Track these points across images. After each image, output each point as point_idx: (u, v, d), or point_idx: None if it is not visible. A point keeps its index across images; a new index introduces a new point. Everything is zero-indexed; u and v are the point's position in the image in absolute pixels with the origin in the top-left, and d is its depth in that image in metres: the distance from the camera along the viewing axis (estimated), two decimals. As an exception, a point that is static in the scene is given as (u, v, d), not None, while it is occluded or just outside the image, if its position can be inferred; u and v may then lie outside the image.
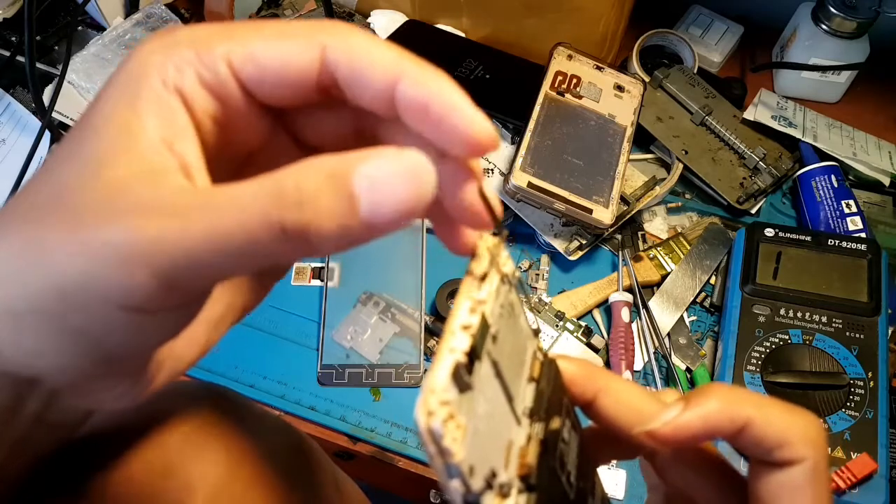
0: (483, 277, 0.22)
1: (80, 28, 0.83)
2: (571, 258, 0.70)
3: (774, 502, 0.26)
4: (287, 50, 0.21)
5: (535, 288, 0.71)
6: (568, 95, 0.74)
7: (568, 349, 0.67)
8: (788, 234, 0.67)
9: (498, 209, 0.23)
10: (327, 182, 0.19)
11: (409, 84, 0.21)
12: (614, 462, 0.61)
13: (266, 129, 0.24)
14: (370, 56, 0.21)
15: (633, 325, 0.68)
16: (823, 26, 0.79)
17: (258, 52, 0.21)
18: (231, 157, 0.24)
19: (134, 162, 0.20)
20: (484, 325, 0.21)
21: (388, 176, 0.19)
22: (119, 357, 0.21)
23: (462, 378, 0.19)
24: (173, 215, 0.19)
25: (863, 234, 0.70)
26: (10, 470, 0.25)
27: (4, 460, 0.24)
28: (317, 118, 0.25)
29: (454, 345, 0.20)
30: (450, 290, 0.69)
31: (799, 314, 0.63)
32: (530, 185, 0.67)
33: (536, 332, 0.26)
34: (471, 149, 0.21)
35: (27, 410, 0.23)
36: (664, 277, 0.71)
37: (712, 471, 0.29)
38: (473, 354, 0.20)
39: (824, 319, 0.63)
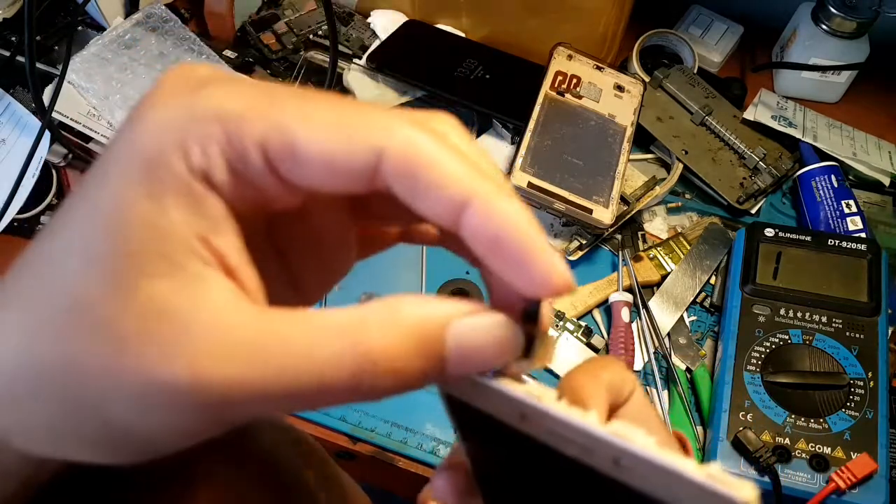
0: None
1: (80, 28, 0.83)
2: (571, 258, 0.70)
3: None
4: (335, 149, 0.18)
5: (535, 288, 0.71)
6: (568, 95, 0.74)
7: (568, 349, 0.67)
8: (788, 234, 0.67)
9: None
10: (417, 346, 0.18)
11: (480, 212, 0.18)
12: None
13: (299, 197, 0.20)
14: (435, 172, 0.18)
15: (633, 325, 0.68)
16: (823, 26, 0.79)
17: (300, 145, 0.18)
18: (263, 217, 0.22)
19: (171, 270, 0.17)
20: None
21: (478, 345, 0.18)
22: (163, 453, 0.19)
23: None
24: (234, 357, 0.17)
25: (863, 234, 0.70)
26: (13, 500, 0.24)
27: (9, 497, 0.23)
28: (367, 198, 0.22)
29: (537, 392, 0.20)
30: (450, 290, 0.69)
31: (799, 314, 0.63)
32: (530, 185, 0.67)
33: None
34: (545, 293, 0.19)
35: (32, 461, 0.21)
36: (664, 277, 0.71)
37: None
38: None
39: (824, 319, 0.63)
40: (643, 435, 0.18)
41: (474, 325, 0.19)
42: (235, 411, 0.17)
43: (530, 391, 0.20)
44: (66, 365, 0.17)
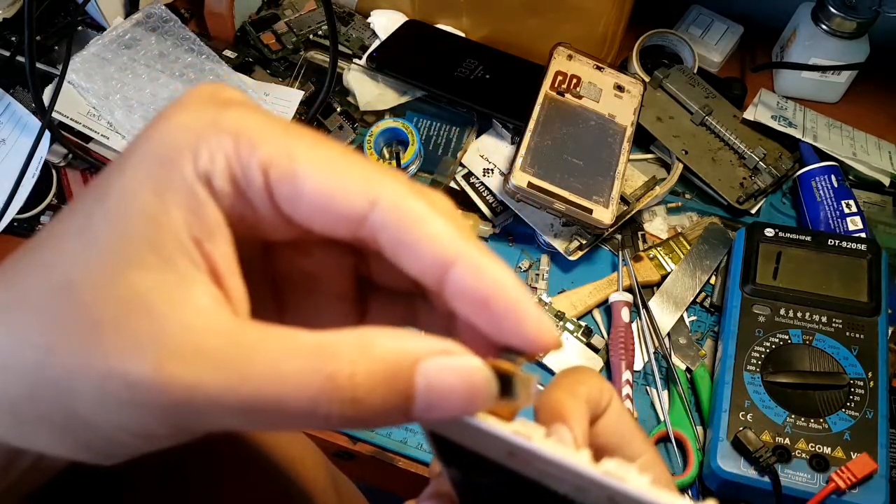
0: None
1: (80, 28, 0.83)
2: (571, 258, 0.70)
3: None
4: (334, 188, 0.19)
5: (536, 288, 0.71)
6: (568, 95, 0.74)
7: (568, 349, 0.67)
8: (788, 234, 0.67)
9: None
10: (384, 379, 0.17)
11: (468, 271, 0.19)
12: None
13: (294, 232, 0.21)
14: (424, 228, 0.19)
15: (633, 325, 0.68)
16: (823, 26, 0.79)
17: (301, 176, 0.19)
18: (256, 242, 0.22)
19: (161, 265, 0.17)
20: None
21: (448, 385, 0.18)
22: (126, 455, 0.20)
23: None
24: (200, 360, 0.17)
25: (863, 234, 0.70)
26: None
27: None
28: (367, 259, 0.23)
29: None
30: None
31: (799, 314, 0.63)
32: (530, 185, 0.67)
33: None
34: (535, 350, 0.20)
35: (21, 465, 0.22)
36: (664, 277, 0.71)
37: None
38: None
39: (824, 319, 0.63)
40: (636, 474, 0.18)
41: (447, 366, 0.18)
42: (195, 417, 0.17)
43: (518, 430, 0.19)
44: (37, 346, 0.17)
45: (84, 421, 0.18)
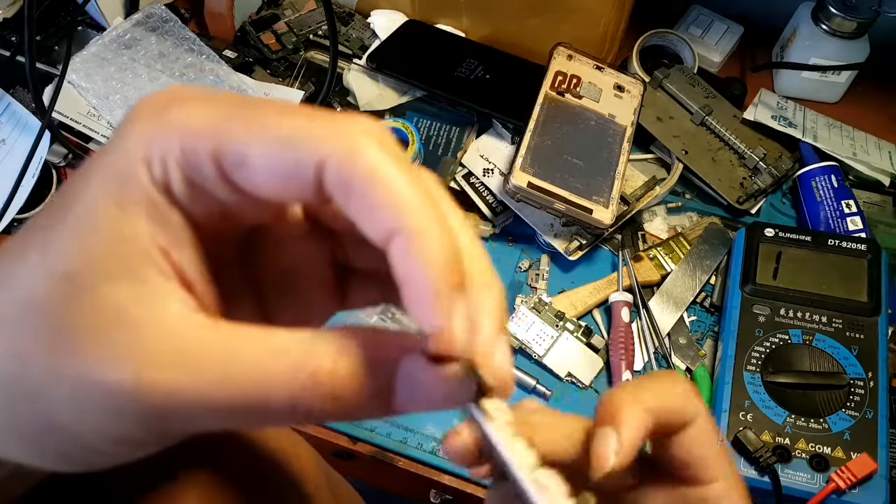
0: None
1: (80, 28, 0.83)
2: (571, 258, 0.70)
3: (696, 465, 0.27)
4: (281, 158, 0.18)
5: (535, 288, 0.71)
6: (568, 95, 0.74)
7: (568, 349, 0.67)
8: (788, 234, 0.67)
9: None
10: (365, 376, 0.17)
11: (401, 245, 0.18)
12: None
13: (269, 213, 0.21)
14: (372, 191, 0.18)
15: (633, 325, 0.68)
16: (823, 26, 0.79)
17: (250, 155, 0.18)
18: (230, 236, 0.22)
19: (131, 276, 0.18)
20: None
21: (429, 384, 0.18)
22: (106, 464, 0.19)
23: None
24: (180, 365, 0.17)
25: (863, 234, 0.70)
26: None
27: None
28: (327, 207, 0.22)
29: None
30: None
31: (799, 314, 0.63)
32: (530, 185, 0.67)
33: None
34: (436, 348, 0.18)
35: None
36: (664, 277, 0.71)
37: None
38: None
39: (824, 319, 0.63)
40: None
41: (427, 365, 0.18)
42: (176, 421, 0.17)
43: (540, 482, 0.20)
44: (13, 356, 0.17)
45: (62, 429, 0.18)
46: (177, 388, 0.17)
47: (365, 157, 0.18)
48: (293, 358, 0.17)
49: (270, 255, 0.24)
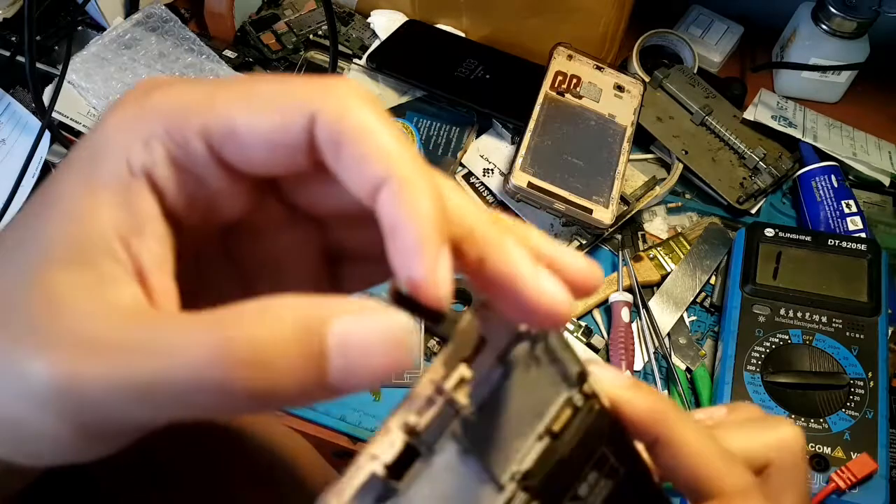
0: (465, 356, 0.19)
1: (80, 28, 0.83)
2: (571, 258, 0.70)
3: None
4: (272, 121, 0.18)
5: (535, 288, 0.71)
6: (568, 95, 0.74)
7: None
8: (788, 234, 0.67)
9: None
10: (295, 342, 0.16)
11: (390, 195, 0.18)
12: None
13: (252, 200, 0.21)
14: (362, 142, 0.18)
15: (633, 325, 0.68)
16: (823, 26, 0.79)
17: (241, 126, 0.18)
18: (213, 228, 0.21)
19: (79, 261, 0.17)
20: (444, 415, 0.18)
21: (365, 342, 0.16)
22: (63, 462, 0.19)
23: (379, 490, 0.17)
24: (96, 354, 0.16)
25: (863, 234, 0.70)
26: None
27: None
28: (312, 187, 0.22)
29: (376, 451, 0.17)
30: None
31: (799, 314, 0.63)
32: (530, 185, 0.67)
33: (581, 376, 0.23)
34: (415, 290, 0.18)
35: None
36: (664, 277, 0.71)
37: None
38: (410, 455, 0.18)
39: (824, 319, 0.63)
40: None
41: (362, 322, 0.17)
42: (92, 410, 0.16)
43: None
44: None
45: (9, 419, 0.17)
46: (80, 373, 0.16)
47: (355, 112, 0.18)
48: (216, 333, 0.16)
49: (254, 248, 0.23)
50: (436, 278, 0.17)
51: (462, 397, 0.19)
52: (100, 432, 0.17)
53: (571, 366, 0.22)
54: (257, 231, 0.23)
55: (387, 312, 0.17)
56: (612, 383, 0.23)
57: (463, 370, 0.19)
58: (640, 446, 0.25)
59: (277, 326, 0.16)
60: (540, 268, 0.19)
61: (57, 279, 0.17)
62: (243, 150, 0.18)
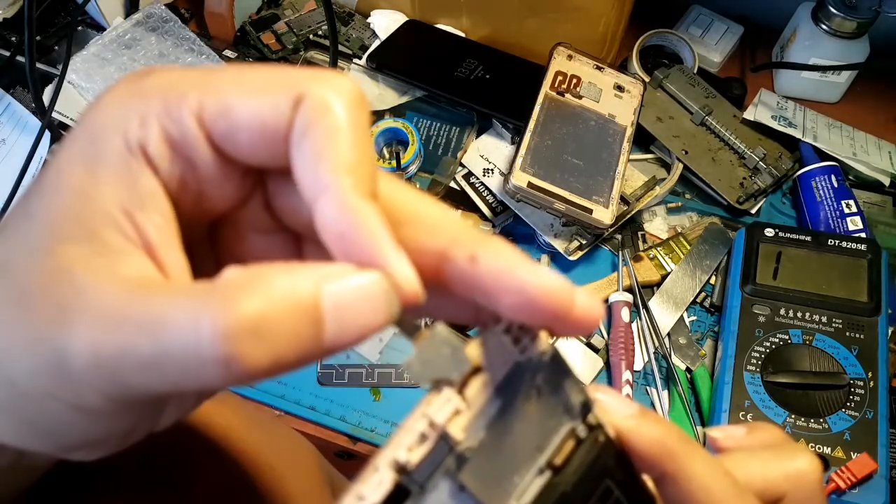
0: (460, 384, 0.19)
1: (80, 28, 0.83)
2: (571, 258, 0.70)
3: None
4: (263, 103, 0.18)
5: (535, 288, 0.71)
6: (568, 95, 0.74)
7: (568, 349, 0.67)
8: (788, 234, 0.67)
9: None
10: (290, 309, 0.16)
11: (324, 206, 0.18)
12: None
13: (240, 194, 0.21)
14: (328, 142, 0.18)
15: (633, 325, 0.68)
16: (823, 26, 0.79)
17: (233, 105, 0.19)
18: (202, 218, 0.22)
19: (88, 237, 0.18)
20: (437, 450, 0.18)
21: (354, 301, 0.17)
22: (86, 444, 0.19)
23: None
24: (113, 325, 0.16)
25: (863, 234, 0.70)
26: None
27: None
28: (294, 195, 0.21)
29: (363, 491, 0.17)
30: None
31: (799, 314, 0.63)
32: (530, 185, 0.67)
33: (584, 406, 0.22)
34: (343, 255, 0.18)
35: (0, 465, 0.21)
36: (664, 277, 0.71)
37: None
38: (400, 496, 0.18)
39: (824, 319, 0.63)
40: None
41: (348, 284, 0.17)
42: (108, 379, 0.17)
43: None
44: None
45: (23, 394, 0.18)
46: (104, 346, 0.16)
47: (335, 108, 0.18)
48: (202, 296, 0.16)
49: (235, 248, 0.23)
50: (404, 277, 0.18)
51: (457, 431, 0.18)
52: (129, 403, 0.18)
53: (575, 395, 0.21)
54: (241, 231, 0.23)
55: (365, 272, 0.18)
56: (618, 412, 0.23)
57: (458, 402, 0.18)
58: (647, 479, 0.24)
59: (274, 299, 0.16)
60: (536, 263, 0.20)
61: (67, 254, 0.17)
62: (234, 130, 0.19)
